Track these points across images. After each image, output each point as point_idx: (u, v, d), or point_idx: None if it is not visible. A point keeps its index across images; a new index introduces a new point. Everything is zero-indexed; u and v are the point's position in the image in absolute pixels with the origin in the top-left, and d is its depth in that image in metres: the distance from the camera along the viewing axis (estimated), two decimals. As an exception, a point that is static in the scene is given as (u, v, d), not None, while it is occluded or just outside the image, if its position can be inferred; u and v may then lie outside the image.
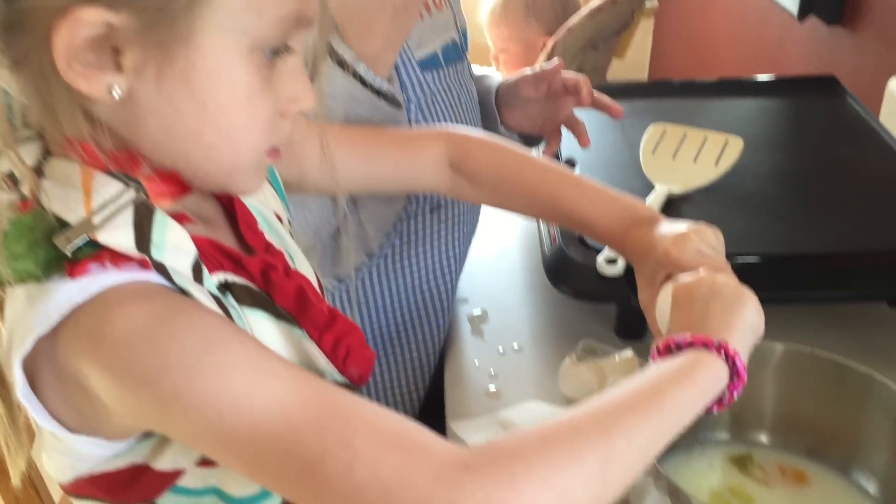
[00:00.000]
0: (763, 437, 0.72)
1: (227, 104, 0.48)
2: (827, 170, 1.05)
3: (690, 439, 0.73)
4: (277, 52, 0.49)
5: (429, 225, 0.93)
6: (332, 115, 0.78)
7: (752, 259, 0.88)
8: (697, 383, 0.52)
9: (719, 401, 0.54)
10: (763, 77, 1.33)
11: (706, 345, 0.53)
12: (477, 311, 0.98)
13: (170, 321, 0.44)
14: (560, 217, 0.77)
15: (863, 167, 1.04)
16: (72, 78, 0.45)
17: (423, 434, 0.44)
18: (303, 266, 0.61)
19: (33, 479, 0.90)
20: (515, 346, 0.92)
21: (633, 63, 2.04)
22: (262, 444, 0.43)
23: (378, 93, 0.81)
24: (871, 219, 0.93)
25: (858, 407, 0.68)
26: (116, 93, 0.46)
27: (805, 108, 1.23)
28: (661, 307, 0.63)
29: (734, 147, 1.02)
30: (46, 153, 0.49)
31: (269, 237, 0.59)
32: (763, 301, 0.88)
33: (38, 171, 0.48)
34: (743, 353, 0.55)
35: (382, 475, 0.41)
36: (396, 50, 0.82)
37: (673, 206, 0.97)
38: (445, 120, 0.91)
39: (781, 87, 1.31)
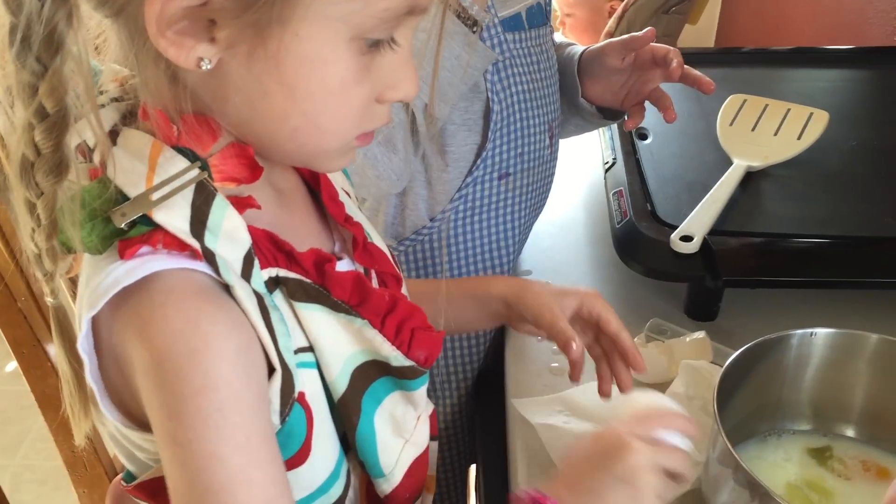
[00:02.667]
0: (848, 430, 0.69)
1: (318, 91, 0.46)
2: (918, 147, 1.00)
3: (767, 428, 0.70)
4: (380, 41, 0.46)
5: (495, 192, 0.90)
6: (419, 51, 0.76)
7: (836, 241, 0.83)
8: None
9: None
10: (845, 47, 1.27)
11: None
12: (540, 285, 0.95)
13: (199, 354, 0.43)
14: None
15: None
16: (162, 45, 0.43)
17: None
18: (377, 240, 0.60)
19: (92, 440, 0.90)
20: (580, 322, 0.89)
21: (699, 29, 1.97)
22: None
23: (473, 28, 0.77)
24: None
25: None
26: (206, 64, 0.44)
27: (892, 81, 1.16)
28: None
29: (819, 121, 0.97)
30: (123, 120, 0.48)
31: (347, 210, 0.57)
32: (848, 286, 0.84)
33: (112, 140, 0.47)
34: None
35: None
36: None
37: (751, 182, 0.93)
38: (522, 84, 0.87)
39: (865, 57, 1.24)
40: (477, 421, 0.93)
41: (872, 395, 0.68)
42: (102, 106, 0.48)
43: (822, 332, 0.67)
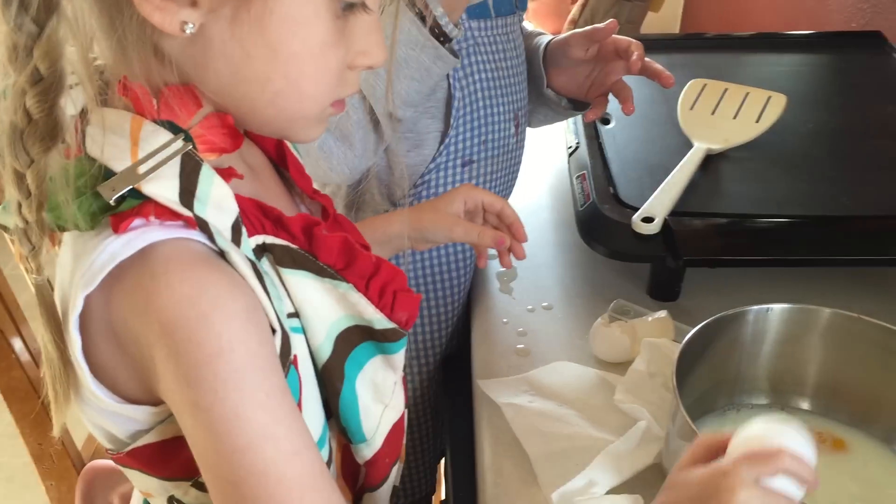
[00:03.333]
0: (804, 403, 0.70)
1: (300, 53, 0.47)
2: (873, 128, 1.02)
3: (725, 403, 0.71)
4: (354, 4, 0.48)
5: (459, 179, 0.90)
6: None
7: (794, 220, 0.85)
8: None
9: None
10: (805, 31, 1.29)
11: None
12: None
13: (209, 318, 0.43)
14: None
15: (910, 126, 1.00)
16: (146, 10, 0.44)
17: None
18: None
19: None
20: (545, 304, 0.90)
21: (664, 17, 1.99)
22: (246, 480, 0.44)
23: (443, 42, 0.78)
24: (919, 180, 0.90)
25: (905, 375, 0.66)
26: (189, 29, 0.45)
27: (849, 65, 1.18)
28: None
29: (777, 104, 0.99)
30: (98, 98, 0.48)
31: (315, 185, 0.58)
32: (806, 264, 0.86)
33: (84, 118, 0.47)
34: None
35: None
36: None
37: (711, 165, 0.94)
38: (485, 73, 0.88)
39: (824, 42, 1.26)
40: (445, 404, 0.94)
41: (827, 368, 0.69)
42: (71, 87, 0.47)
43: (777, 308, 0.68)
